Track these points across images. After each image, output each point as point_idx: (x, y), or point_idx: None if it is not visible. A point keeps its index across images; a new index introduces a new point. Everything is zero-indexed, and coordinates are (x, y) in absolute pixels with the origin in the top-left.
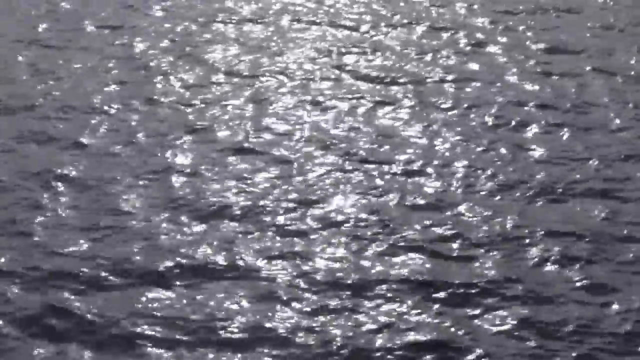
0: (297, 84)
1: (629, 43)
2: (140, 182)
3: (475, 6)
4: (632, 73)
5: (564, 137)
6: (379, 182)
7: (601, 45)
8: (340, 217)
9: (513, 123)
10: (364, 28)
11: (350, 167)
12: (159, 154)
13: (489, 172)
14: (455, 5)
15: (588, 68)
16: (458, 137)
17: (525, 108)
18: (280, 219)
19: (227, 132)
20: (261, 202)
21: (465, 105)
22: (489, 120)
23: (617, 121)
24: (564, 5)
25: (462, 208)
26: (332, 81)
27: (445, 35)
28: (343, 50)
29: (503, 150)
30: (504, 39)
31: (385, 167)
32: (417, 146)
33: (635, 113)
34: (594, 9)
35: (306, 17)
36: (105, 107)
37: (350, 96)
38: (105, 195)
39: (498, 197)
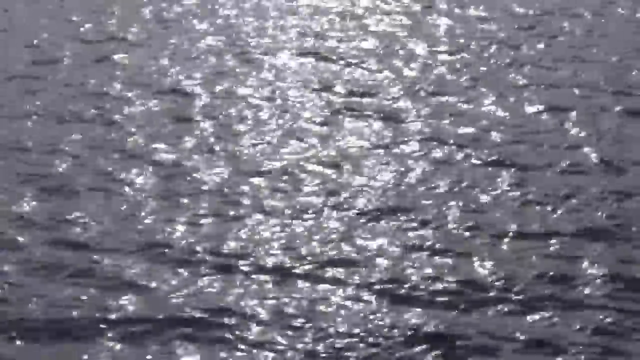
0: (274, 118)
1: (611, 78)
2: (109, 223)
3: (457, 37)
4: (616, 109)
5: (538, 175)
6: (354, 221)
7: (581, 79)
8: (315, 260)
9: (486, 160)
10: (343, 59)
11: (328, 208)
12: (130, 193)
13: (458, 212)
14: (438, 37)
15: (566, 103)
16: (437, 174)
17: (500, 145)
18: (256, 262)
19: (200, 169)
20: (234, 243)
21: (442, 141)
22: (465, 157)
23: (595, 160)
24: (548, 39)
25: (436, 250)
26: (309, 115)
27: (425, 67)
28: (321, 83)
29: (475, 188)
30: (485, 72)
31: (362, 206)
32: (392, 185)
33: (611, 150)
34: (579, 41)
35: (291, 51)
36: (75, 145)
37: (328, 129)
38: (73, 237)
39: (468, 238)
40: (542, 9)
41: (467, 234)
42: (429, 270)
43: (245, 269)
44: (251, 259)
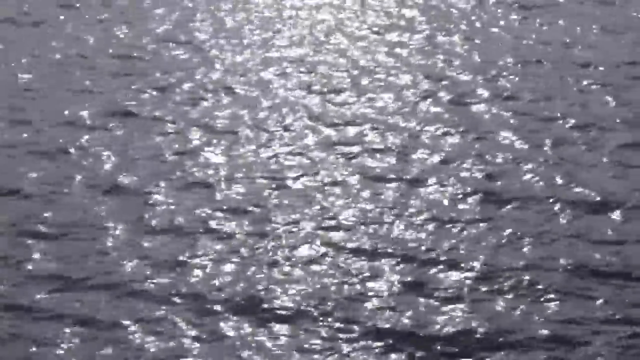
0: (250, 149)
1: (584, 111)
2: (77, 257)
3: (435, 66)
4: (593, 142)
5: (510, 208)
6: (328, 255)
7: (555, 110)
8: (291, 296)
9: (460, 192)
10: (321, 88)
11: (302, 242)
12: (100, 225)
13: (429, 246)
14: (416, 65)
15: (540, 135)
16: (411, 205)
17: (473, 177)
18: (225, 298)
19: (173, 200)
20: (204, 279)
21: (415, 172)
22: (438, 189)
23: (567, 194)
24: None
25: (406, 284)
26: (285, 145)
27: (401, 96)
28: (298, 113)
29: (447, 221)
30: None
31: (335, 240)
32: (365, 218)
33: (583, 183)
34: (555, 73)
35: (269, 80)
36: (44, 175)
37: (304, 160)
38: (41, 272)
39: (438, 273)
40: (521, 38)
41: (438, 268)
42: (401, 308)
43: (214, 304)
44: (221, 294)
